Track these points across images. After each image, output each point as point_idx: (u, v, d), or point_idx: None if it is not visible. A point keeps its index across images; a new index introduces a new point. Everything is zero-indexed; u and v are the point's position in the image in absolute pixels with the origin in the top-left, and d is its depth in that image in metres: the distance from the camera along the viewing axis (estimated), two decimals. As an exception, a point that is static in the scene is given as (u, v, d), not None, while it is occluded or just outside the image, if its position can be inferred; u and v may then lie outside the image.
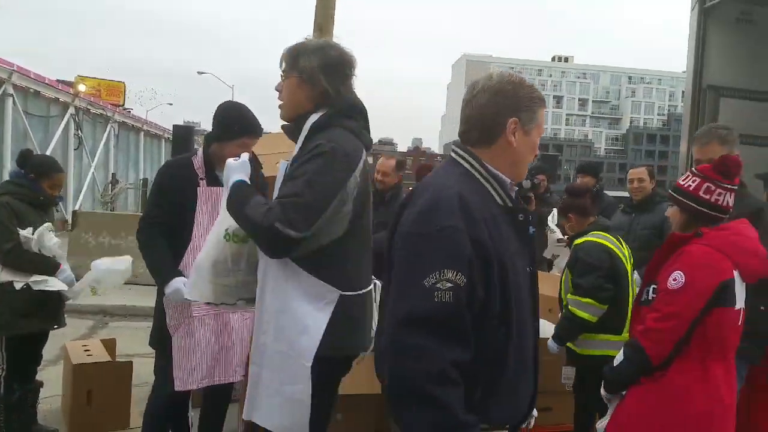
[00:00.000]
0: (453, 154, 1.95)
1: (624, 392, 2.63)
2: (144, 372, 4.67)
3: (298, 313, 2.34)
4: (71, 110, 20.58)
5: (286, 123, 2.56)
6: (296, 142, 2.47)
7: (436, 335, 1.65)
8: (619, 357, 2.58)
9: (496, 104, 1.87)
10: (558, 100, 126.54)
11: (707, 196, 2.61)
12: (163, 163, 7.60)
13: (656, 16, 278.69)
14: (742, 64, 8.22)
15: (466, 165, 1.90)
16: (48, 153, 16.09)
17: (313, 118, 2.44)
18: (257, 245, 2.41)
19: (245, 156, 2.54)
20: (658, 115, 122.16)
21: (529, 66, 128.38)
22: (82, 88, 21.57)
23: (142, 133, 28.58)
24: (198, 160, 3.28)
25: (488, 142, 1.89)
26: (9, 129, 16.97)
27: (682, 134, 8.75)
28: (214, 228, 2.62)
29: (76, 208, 18.52)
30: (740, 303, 2.56)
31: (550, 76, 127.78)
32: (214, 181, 3.24)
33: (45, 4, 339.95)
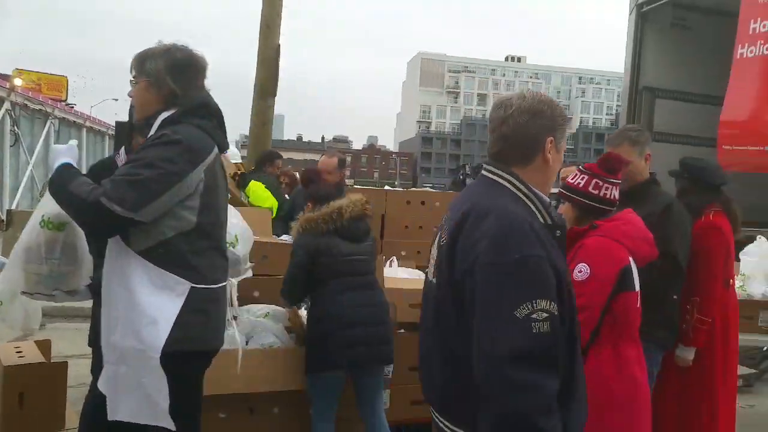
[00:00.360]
0: (492, 175, 1.94)
1: None
2: (83, 373, 4.61)
3: (146, 306, 2.34)
4: (7, 105, 19.94)
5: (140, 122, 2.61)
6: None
7: (542, 368, 1.65)
8: None
9: (536, 124, 1.90)
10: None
11: (596, 192, 2.79)
12: (105, 159, 7.41)
13: (604, 17, 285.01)
14: (677, 67, 8.53)
15: (510, 186, 1.89)
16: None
17: (164, 115, 2.50)
18: (79, 224, 2.42)
19: (73, 142, 2.58)
20: (607, 114, 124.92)
21: (484, 65, 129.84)
22: (18, 82, 20.80)
23: (85, 129, 27.88)
24: (120, 159, 3.22)
25: (526, 161, 1.92)
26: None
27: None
28: (33, 214, 2.60)
29: (13, 206, 17.96)
30: (637, 286, 2.74)
31: (504, 75, 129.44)
32: None
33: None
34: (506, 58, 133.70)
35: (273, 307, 3.97)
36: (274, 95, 10.87)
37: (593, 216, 2.81)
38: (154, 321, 2.33)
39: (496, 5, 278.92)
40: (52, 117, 23.84)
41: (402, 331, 4.01)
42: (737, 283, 4.58)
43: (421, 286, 4.11)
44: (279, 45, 10.68)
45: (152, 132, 2.48)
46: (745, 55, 6.67)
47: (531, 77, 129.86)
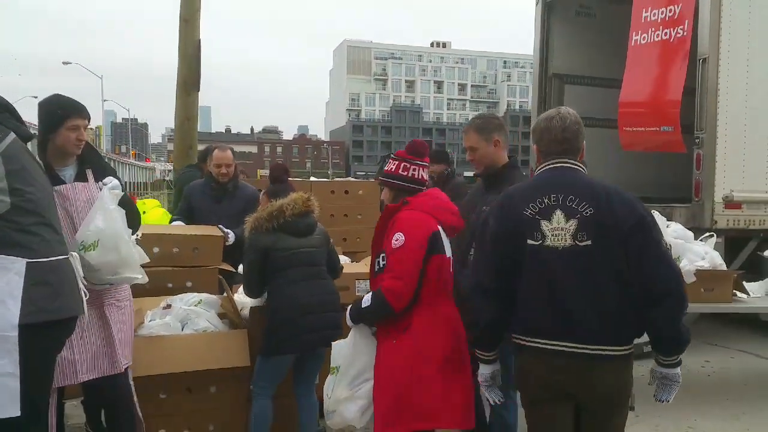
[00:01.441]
0: (571, 164, 2.70)
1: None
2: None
3: None
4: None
5: None
6: None
7: None
8: (366, 301, 3.07)
9: (581, 131, 2.76)
10: (438, 85, 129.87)
11: (405, 173, 3.22)
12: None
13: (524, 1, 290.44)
14: (583, 54, 9.05)
15: (583, 170, 2.71)
16: None
17: None
18: None
19: None
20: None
21: (409, 51, 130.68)
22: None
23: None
24: None
25: (576, 155, 2.73)
26: None
27: (532, 119, 9.54)
28: None
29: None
30: (448, 252, 3.15)
31: (430, 61, 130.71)
32: (56, 180, 3.21)
33: None
34: (432, 44, 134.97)
35: (205, 295, 4.20)
36: (197, 90, 10.88)
37: (405, 194, 3.20)
38: (1, 301, 2.46)
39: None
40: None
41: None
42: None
43: (351, 270, 4.41)
44: (199, 40, 10.71)
45: None
46: (639, 42, 7.21)
47: (457, 62, 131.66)
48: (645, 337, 6.57)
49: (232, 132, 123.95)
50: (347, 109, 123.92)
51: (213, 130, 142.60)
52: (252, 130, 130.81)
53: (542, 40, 8.95)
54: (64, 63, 43.80)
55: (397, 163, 3.25)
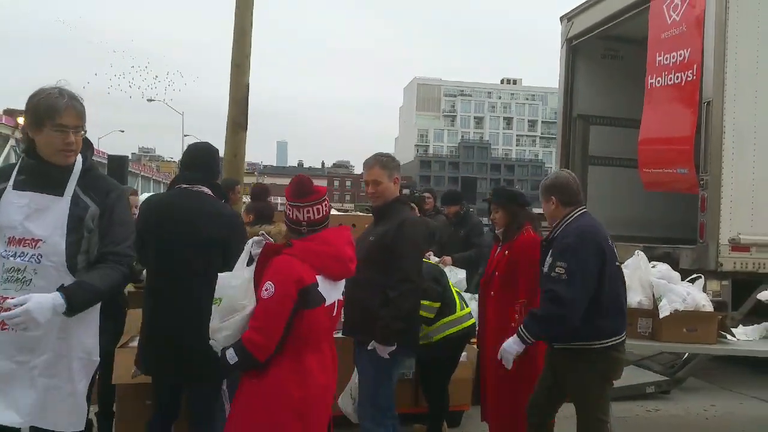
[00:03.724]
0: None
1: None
2: None
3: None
4: (11, 142, 20.63)
5: None
6: None
7: None
8: (231, 356, 2.85)
9: None
10: (508, 121, 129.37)
11: (289, 213, 3.09)
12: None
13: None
14: (609, 95, 9.19)
15: None
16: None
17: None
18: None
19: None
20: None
21: (479, 89, 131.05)
22: (21, 120, 21.73)
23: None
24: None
25: None
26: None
27: (555, 159, 9.67)
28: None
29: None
30: (332, 299, 3.02)
31: (500, 98, 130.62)
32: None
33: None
34: (502, 81, 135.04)
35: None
36: (245, 129, 11.57)
37: (295, 234, 3.07)
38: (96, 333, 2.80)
39: (490, 29, 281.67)
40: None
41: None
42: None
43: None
44: (248, 84, 11.42)
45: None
46: (654, 85, 7.35)
47: (527, 99, 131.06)
48: (649, 378, 6.60)
49: (304, 166, 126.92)
50: (415, 145, 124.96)
51: (287, 164, 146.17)
52: (323, 164, 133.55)
53: (566, 81, 9.14)
54: (148, 100, 45.40)
55: (286, 203, 3.14)
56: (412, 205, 6.55)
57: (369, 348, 3.72)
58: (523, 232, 4.41)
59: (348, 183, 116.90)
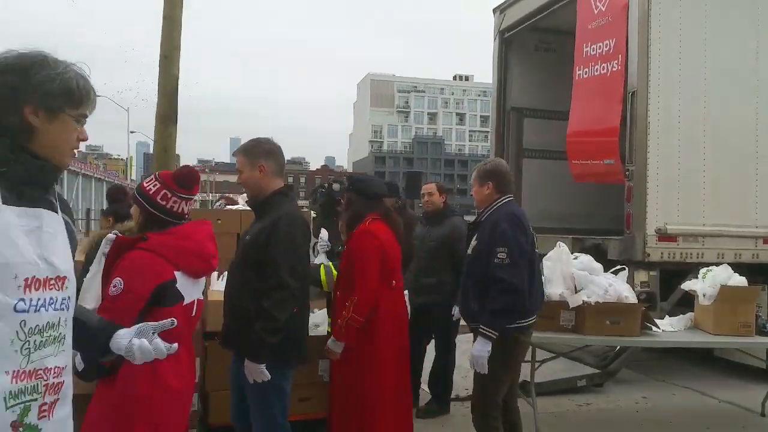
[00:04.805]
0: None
1: None
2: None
3: None
4: None
5: None
6: None
7: None
8: (78, 359, 2.52)
9: None
10: (461, 117, 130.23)
11: (164, 202, 2.78)
12: None
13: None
14: (542, 87, 9.13)
15: None
16: None
17: None
18: None
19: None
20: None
21: (432, 85, 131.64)
22: None
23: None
24: None
25: None
26: None
27: (490, 152, 9.60)
28: None
29: None
30: (191, 297, 2.78)
31: (452, 94, 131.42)
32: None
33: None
34: (454, 77, 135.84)
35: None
36: (175, 123, 11.26)
37: (156, 226, 2.78)
38: None
39: (441, 26, 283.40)
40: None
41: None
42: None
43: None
44: (177, 76, 11.10)
45: None
46: (582, 77, 7.30)
47: (479, 95, 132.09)
48: (581, 371, 6.54)
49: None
50: (370, 141, 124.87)
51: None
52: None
53: (500, 73, 9.05)
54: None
55: (158, 186, 2.81)
56: (340, 200, 6.36)
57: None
58: (362, 225, 4.07)
59: (302, 179, 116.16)
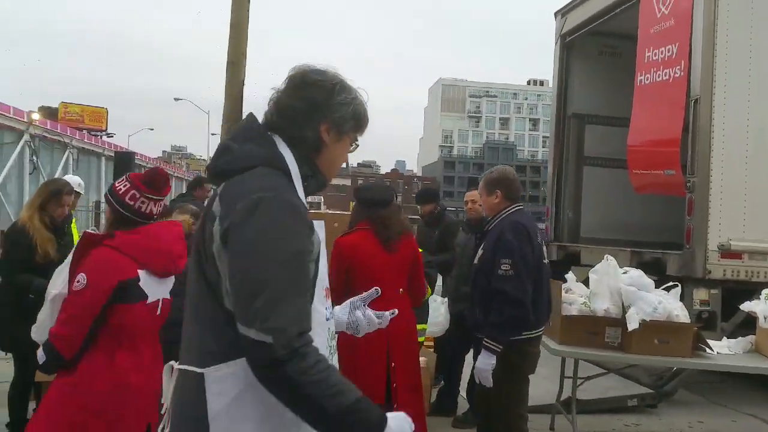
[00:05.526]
0: None
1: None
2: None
3: None
4: (26, 137, 20.83)
5: None
6: None
7: None
8: (40, 352, 2.73)
9: None
10: (534, 122, 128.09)
11: (132, 202, 2.82)
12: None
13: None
14: (606, 93, 8.79)
15: None
16: (1, 179, 16.39)
17: None
18: None
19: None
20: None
21: (506, 90, 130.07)
22: (35, 116, 21.94)
23: (104, 158, 28.83)
24: None
25: None
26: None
27: (548, 158, 9.31)
28: None
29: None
30: (156, 296, 2.83)
31: (526, 99, 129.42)
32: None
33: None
34: (528, 82, 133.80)
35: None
36: (240, 126, 11.53)
37: (124, 225, 2.83)
38: None
39: (516, 31, 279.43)
40: (70, 147, 24.87)
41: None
42: (581, 300, 4.82)
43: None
44: (243, 81, 11.33)
45: None
46: (643, 83, 7.00)
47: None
48: (634, 390, 6.25)
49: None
50: (440, 146, 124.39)
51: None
52: (347, 164, 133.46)
53: (560, 79, 8.79)
54: (175, 99, 45.51)
55: (128, 186, 2.86)
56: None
57: None
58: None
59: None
